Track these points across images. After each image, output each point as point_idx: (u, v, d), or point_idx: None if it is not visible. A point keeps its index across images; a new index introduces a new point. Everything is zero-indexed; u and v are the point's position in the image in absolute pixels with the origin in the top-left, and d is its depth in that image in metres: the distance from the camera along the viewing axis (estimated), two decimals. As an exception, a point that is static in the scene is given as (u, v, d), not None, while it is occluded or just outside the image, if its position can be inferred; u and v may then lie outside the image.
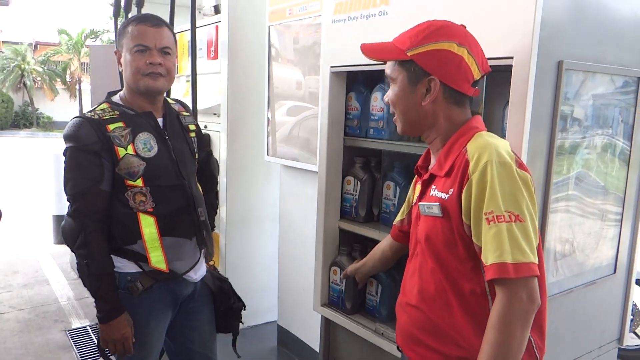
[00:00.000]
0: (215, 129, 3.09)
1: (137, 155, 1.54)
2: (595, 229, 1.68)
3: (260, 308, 3.15)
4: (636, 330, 3.04)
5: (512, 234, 1.03)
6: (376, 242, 1.73)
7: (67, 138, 1.53)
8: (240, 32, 2.92)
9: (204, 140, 1.85)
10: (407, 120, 1.23)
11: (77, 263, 1.54)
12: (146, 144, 1.56)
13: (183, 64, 3.33)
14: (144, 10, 2.86)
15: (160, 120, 1.63)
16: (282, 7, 2.65)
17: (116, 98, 1.64)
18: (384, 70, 1.27)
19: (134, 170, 1.53)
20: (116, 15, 3.21)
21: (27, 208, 6.94)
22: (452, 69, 1.15)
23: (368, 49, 1.24)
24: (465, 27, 1.19)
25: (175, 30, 2.98)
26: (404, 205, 1.52)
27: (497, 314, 1.03)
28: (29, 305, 3.62)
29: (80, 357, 2.87)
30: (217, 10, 3.06)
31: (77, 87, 22.92)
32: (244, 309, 1.84)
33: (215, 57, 3.05)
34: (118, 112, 1.57)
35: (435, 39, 1.15)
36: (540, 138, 1.40)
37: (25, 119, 22.64)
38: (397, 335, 1.32)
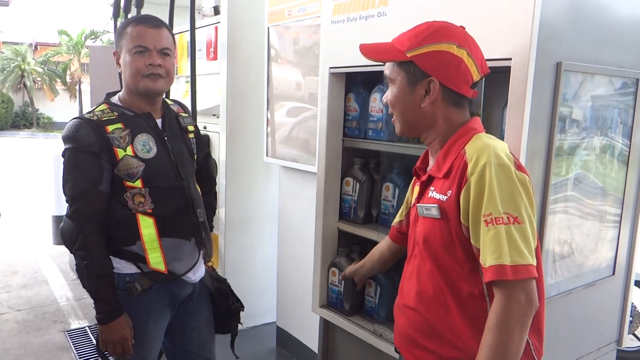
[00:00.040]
0: (215, 129, 3.09)
1: (136, 156, 1.54)
2: (594, 230, 1.68)
3: (259, 309, 3.15)
4: (635, 332, 3.04)
5: (510, 236, 1.03)
6: (375, 243, 1.73)
7: (66, 139, 1.53)
8: (240, 33, 2.92)
9: (203, 141, 1.85)
10: (405, 121, 1.23)
11: (76, 264, 1.54)
12: (145, 145, 1.56)
13: (182, 65, 3.33)
14: (143, 11, 2.86)
15: (159, 121, 1.63)
16: (281, 8, 2.66)
17: (115, 99, 1.64)
18: (383, 71, 1.26)
19: (133, 172, 1.53)
20: (116, 15, 3.21)
21: (26, 208, 6.94)
22: (451, 70, 1.15)
23: (367, 50, 1.24)
24: (464, 28, 1.19)
25: (174, 31, 2.98)
26: (402, 207, 1.52)
27: (495, 316, 1.03)
28: (28, 306, 3.62)
29: (79, 358, 2.87)
30: (216, 11, 3.06)
31: (77, 87, 22.93)
32: (243, 310, 1.84)
33: (215, 58, 3.05)
34: (117, 113, 1.57)
35: (434, 40, 1.14)
36: (539, 139, 1.40)
37: (25, 120, 22.64)
38: (395, 337, 1.32)
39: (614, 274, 1.79)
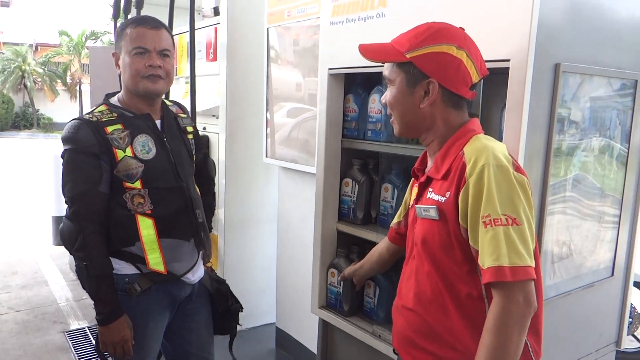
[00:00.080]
0: (214, 130, 3.10)
1: (135, 157, 1.54)
2: (593, 231, 1.68)
3: (258, 310, 3.15)
4: (635, 333, 3.04)
5: (509, 238, 1.03)
6: (374, 244, 1.73)
7: (65, 140, 1.53)
8: (239, 34, 2.92)
9: (202, 142, 1.85)
10: (404, 122, 1.23)
11: (75, 265, 1.54)
12: (144, 146, 1.56)
13: (182, 66, 3.33)
14: (143, 12, 2.86)
15: (158, 122, 1.63)
16: (280, 9, 2.66)
17: (114, 100, 1.64)
18: (382, 72, 1.26)
19: (133, 173, 1.53)
20: (115, 16, 3.21)
21: (26, 209, 6.95)
22: (451, 72, 1.15)
23: (366, 50, 1.23)
24: (464, 29, 1.19)
25: (174, 32, 2.99)
26: (401, 208, 1.52)
27: (494, 317, 1.03)
28: (28, 307, 3.62)
29: (79, 359, 2.87)
30: (216, 12, 3.06)
31: (77, 88, 22.94)
32: (242, 311, 1.85)
33: (214, 59, 3.05)
34: (116, 114, 1.57)
35: (434, 42, 1.14)
36: (538, 140, 1.40)
37: (25, 120, 22.65)
38: (394, 338, 1.32)
39: (612, 275, 1.79)
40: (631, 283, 1.88)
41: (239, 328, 1.86)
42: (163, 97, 1.71)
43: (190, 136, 1.74)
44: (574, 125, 1.50)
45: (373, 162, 2.08)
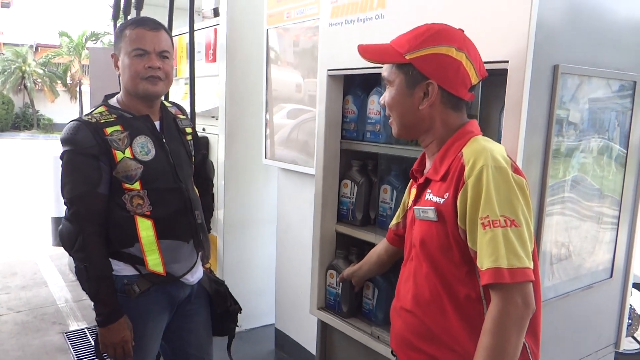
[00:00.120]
0: (214, 131, 3.10)
1: (134, 158, 1.54)
2: (592, 232, 1.68)
3: (257, 311, 3.15)
4: (634, 335, 3.04)
5: (507, 239, 1.03)
6: (373, 245, 1.73)
7: (64, 141, 1.53)
8: (239, 35, 2.93)
9: (200, 143, 1.85)
10: (403, 124, 1.23)
11: (75, 267, 1.53)
12: (144, 147, 1.56)
13: (182, 67, 3.33)
14: (142, 13, 2.87)
15: (157, 124, 1.63)
16: (279, 10, 2.66)
17: (113, 101, 1.64)
18: (380, 74, 1.26)
19: (132, 174, 1.53)
20: (115, 17, 3.21)
21: (26, 210, 6.95)
22: (450, 73, 1.15)
23: (365, 50, 1.22)
24: (463, 31, 1.19)
25: (173, 33, 3.00)
26: (399, 209, 1.52)
27: (492, 319, 1.03)
28: (27, 307, 3.62)
29: (78, 360, 2.87)
30: (216, 13, 3.06)
31: (77, 89, 22.95)
32: (240, 312, 1.84)
33: (214, 60, 3.05)
34: (115, 115, 1.57)
35: (434, 43, 1.14)
36: (536, 142, 1.40)
37: (25, 121, 22.65)
38: (392, 340, 1.32)
39: (611, 276, 1.79)
40: (630, 284, 1.88)
41: (238, 329, 1.86)
42: (162, 98, 1.71)
43: (189, 137, 1.75)
44: (572, 127, 1.50)
45: (372, 163, 2.08)
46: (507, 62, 1.36)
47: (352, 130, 2.04)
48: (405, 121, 1.22)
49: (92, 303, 1.56)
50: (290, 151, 2.69)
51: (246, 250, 3.13)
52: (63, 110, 22.13)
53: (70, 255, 1.54)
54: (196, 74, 2.82)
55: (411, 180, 1.37)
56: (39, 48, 23.83)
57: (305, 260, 2.45)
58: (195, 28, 2.82)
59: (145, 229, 1.55)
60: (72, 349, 2.99)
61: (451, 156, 1.16)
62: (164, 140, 1.62)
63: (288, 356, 2.91)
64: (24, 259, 4.76)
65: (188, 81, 2.86)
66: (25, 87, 22.24)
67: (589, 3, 1.50)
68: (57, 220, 4.85)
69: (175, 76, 3.32)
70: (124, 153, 1.53)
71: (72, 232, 1.50)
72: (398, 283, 1.31)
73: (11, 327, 3.28)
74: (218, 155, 3.04)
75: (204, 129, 3.18)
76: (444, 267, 1.15)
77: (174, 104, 1.80)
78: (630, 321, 2.94)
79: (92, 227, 1.50)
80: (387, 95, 1.23)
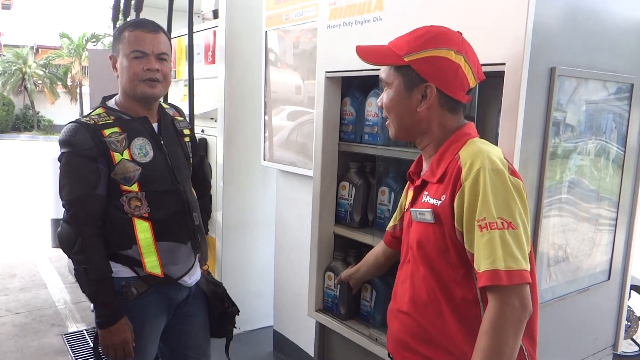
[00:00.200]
0: (212, 133, 3.10)
1: (133, 160, 1.54)
2: (589, 235, 1.68)
3: (256, 313, 3.15)
4: (633, 337, 3.03)
5: (504, 241, 1.03)
6: (371, 247, 1.73)
7: (62, 143, 1.53)
8: (238, 37, 2.93)
9: (198, 145, 1.85)
10: (400, 126, 1.23)
11: (74, 269, 1.53)
12: (142, 149, 1.57)
13: (181, 69, 3.34)
14: (142, 15, 2.87)
15: (155, 126, 1.64)
16: (278, 12, 2.67)
17: (111, 103, 1.64)
18: (378, 76, 1.26)
19: (130, 176, 1.53)
20: (115, 19, 3.22)
21: (25, 211, 6.94)
22: (449, 76, 1.15)
23: (364, 52, 1.22)
24: (461, 33, 1.19)
25: (173, 35, 3.00)
26: (396, 211, 1.52)
27: (489, 321, 1.03)
28: (26, 309, 3.62)
29: (76, 362, 2.87)
30: (215, 14, 3.07)
31: (78, 90, 22.97)
32: (238, 314, 1.84)
33: (213, 62, 3.05)
34: (114, 117, 1.57)
35: (433, 46, 1.14)
36: (533, 144, 1.40)
37: (26, 122, 22.66)
38: (388, 342, 1.32)
39: (609, 279, 1.79)
40: (628, 287, 1.88)
41: (236, 331, 1.86)
42: (161, 100, 1.71)
43: (187, 139, 1.75)
44: (569, 129, 1.51)
45: (370, 165, 2.08)
46: (503, 64, 1.36)
47: (350, 132, 2.05)
48: (402, 123, 1.22)
49: (92, 305, 1.55)
50: (289, 153, 2.69)
51: (245, 252, 3.13)
52: (63, 112, 22.13)
53: (69, 257, 1.54)
54: (195, 75, 2.83)
55: (408, 182, 1.37)
56: (40, 49, 23.86)
57: (304, 262, 2.45)
58: (194, 30, 2.83)
59: (143, 230, 1.55)
60: (70, 351, 2.98)
61: (448, 158, 1.16)
62: (162, 142, 1.62)
63: (286, 358, 2.91)
64: (23, 260, 4.76)
65: (187, 83, 2.87)
66: (26, 88, 22.25)
67: (585, 5, 1.50)
68: (56, 222, 4.84)
69: (175, 78, 3.32)
70: (122, 155, 1.53)
71: (71, 234, 1.50)
72: (395, 285, 1.31)
73: (10, 329, 3.28)
74: (217, 157, 3.05)
75: (202, 131, 3.19)
76: (441, 269, 1.15)
77: (172, 106, 1.81)
78: (628, 323, 2.94)
79: (90, 229, 1.50)
80: (384, 97, 1.23)
